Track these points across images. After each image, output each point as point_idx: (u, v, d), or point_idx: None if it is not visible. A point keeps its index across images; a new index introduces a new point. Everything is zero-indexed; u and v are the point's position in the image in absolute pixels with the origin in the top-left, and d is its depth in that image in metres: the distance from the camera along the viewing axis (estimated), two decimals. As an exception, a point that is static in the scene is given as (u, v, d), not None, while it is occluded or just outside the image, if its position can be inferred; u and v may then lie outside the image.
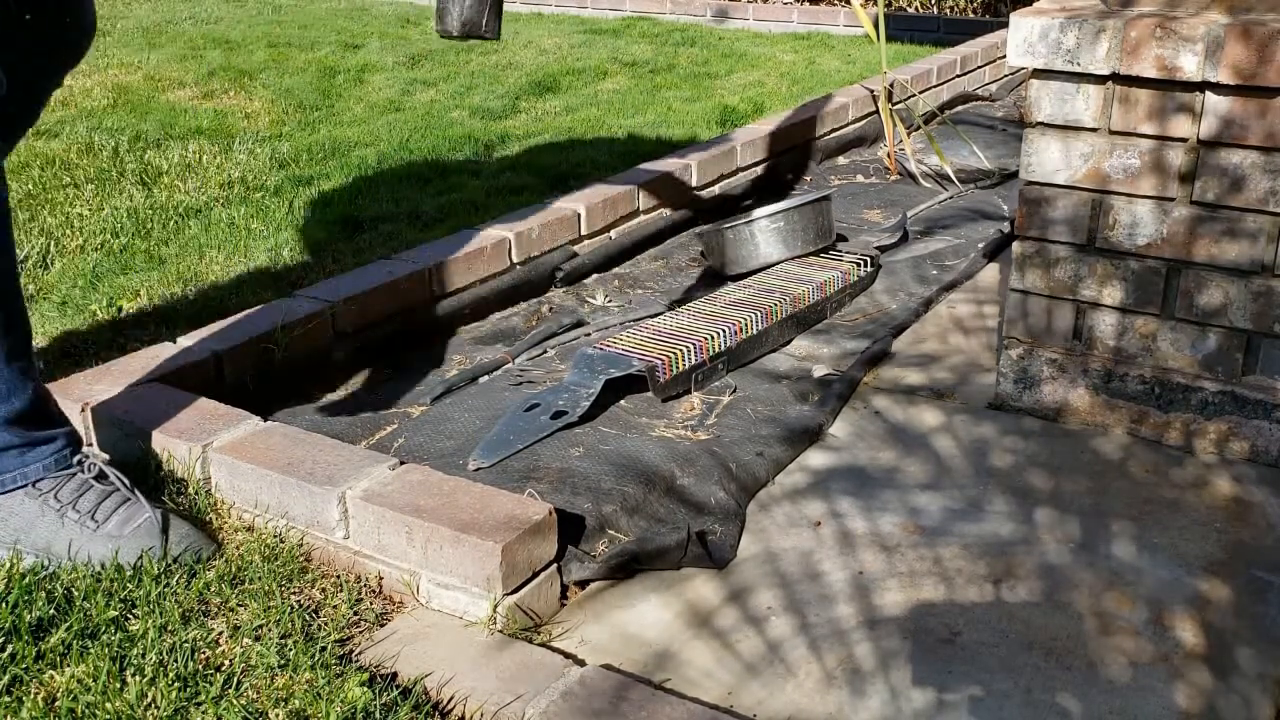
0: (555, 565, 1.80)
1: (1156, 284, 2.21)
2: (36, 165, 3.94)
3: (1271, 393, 2.17)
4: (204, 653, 1.62)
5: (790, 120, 4.40)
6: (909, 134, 4.48)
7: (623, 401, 2.43)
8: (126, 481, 1.87)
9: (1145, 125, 2.13)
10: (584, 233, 3.38)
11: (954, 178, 4.09)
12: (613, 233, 3.50)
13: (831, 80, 5.70)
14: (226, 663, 1.60)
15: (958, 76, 5.61)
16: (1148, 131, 2.13)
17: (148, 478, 2.04)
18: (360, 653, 1.65)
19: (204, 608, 1.72)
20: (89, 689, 1.53)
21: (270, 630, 1.67)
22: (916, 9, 8.03)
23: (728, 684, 1.64)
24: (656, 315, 2.87)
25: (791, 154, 4.30)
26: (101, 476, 1.87)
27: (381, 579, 1.81)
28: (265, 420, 2.11)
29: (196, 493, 2.00)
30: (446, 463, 2.20)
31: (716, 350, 2.60)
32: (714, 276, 3.25)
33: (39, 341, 2.65)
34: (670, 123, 4.80)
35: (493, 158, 4.28)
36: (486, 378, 2.62)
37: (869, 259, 3.16)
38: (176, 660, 1.60)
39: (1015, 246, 2.34)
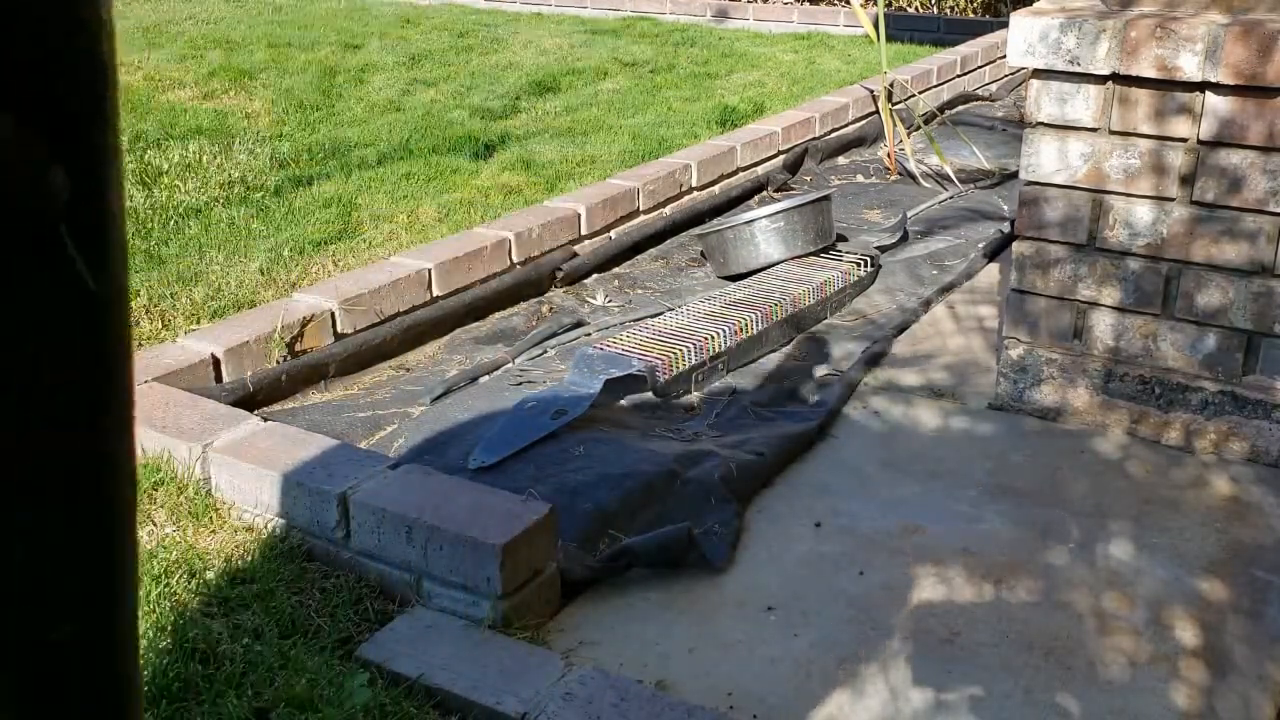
0: (555, 565, 1.80)
1: (1156, 284, 2.21)
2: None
3: (1271, 393, 2.17)
4: (204, 653, 1.62)
5: (790, 120, 4.40)
6: (909, 134, 4.48)
7: (623, 401, 2.43)
8: None
9: (1145, 125, 2.13)
10: (584, 233, 3.38)
11: (954, 178, 4.09)
12: (613, 233, 3.50)
13: (831, 80, 5.70)
14: (228, 663, 1.60)
15: (958, 76, 5.61)
16: (1147, 132, 2.13)
17: (147, 477, 2.04)
18: (361, 652, 1.65)
19: (204, 608, 1.72)
20: (89, 689, 1.53)
21: (271, 630, 1.67)
22: (916, 9, 8.02)
23: (727, 683, 1.64)
24: (656, 315, 2.87)
25: (791, 154, 4.30)
26: None
27: (382, 578, 1.81)
28: (265, 420, 2.11)
29: (196, 493, 2.00)
30: (446, 463, 2.20)
31: (716, 350, 2.60)
32: (714, 276, 3.25)
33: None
34: (670, 123, 4.80)
35: (493, 158, 4.28)
36: (486, 378, 2.62)
37: (869, 259, 3.16)
38: (177, 660, 1.59)
39: (1015, 247, 2.34)
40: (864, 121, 4.80)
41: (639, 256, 3.46)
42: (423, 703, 1.56)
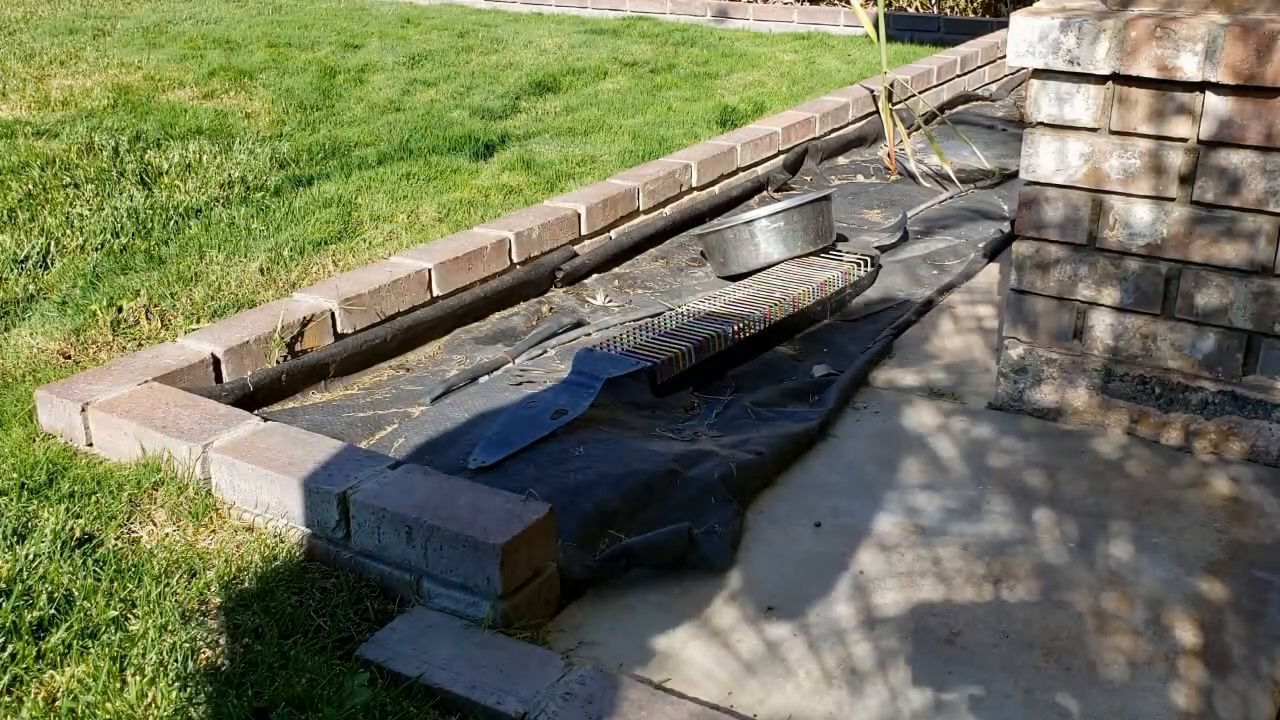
0: (555, 565, 1.80)
1: (1156, 284, 2.21)
2: (36, 165, 3.94)
3: (1271, 393, 2.17)
4: (205, 652, 1.62)
5: (790, 120, 4.40)
6: (909, 134, 4.48)
7: (622, 401, 2.43)
8: None
9: (1144, 125, 2.13)
10: (584, 233, 3.38)
11: (954, 178, 4.09)
12: (613, 233, 3.50)
13: (831, 80, 5.70)
14: (227, 663, 1.60)
15: (958, 76, 5.61)
16: (1147, 132, 2.13)
17: (147, 477, 2.04)
18: (361, 652, 1.65)
19: (204, 607, 1.72)
20: (89, 689, 1.54)
21: (271, 630, 1.67)
22: (916, 9, 8.02)
23: (727, 683, 1.64)
24: (656, 315, 2.87)
25: (791, 154, 4.30)
26: None
27: (382, 578, 1.82)
28: (265, 420, 2.11)
29: (196, 493, 2.00)
30: (447, 463, 2.20)
31: (716, 350, 2.60)
32: (714, 276, 3.25)
33: (40, 341, 2.65)
34: (670, 123, 4.80)
35: (493, 158, 4.28)
36: (486, 378, 2.62)
37: (869, 259, 3.16)
38: (176, 660, 1.60)
39: (1015, 247, 2.34)
40: (864, 121, 4.80)
41: (639, 256, 3.46)
42: (423, 703, 1.56)
